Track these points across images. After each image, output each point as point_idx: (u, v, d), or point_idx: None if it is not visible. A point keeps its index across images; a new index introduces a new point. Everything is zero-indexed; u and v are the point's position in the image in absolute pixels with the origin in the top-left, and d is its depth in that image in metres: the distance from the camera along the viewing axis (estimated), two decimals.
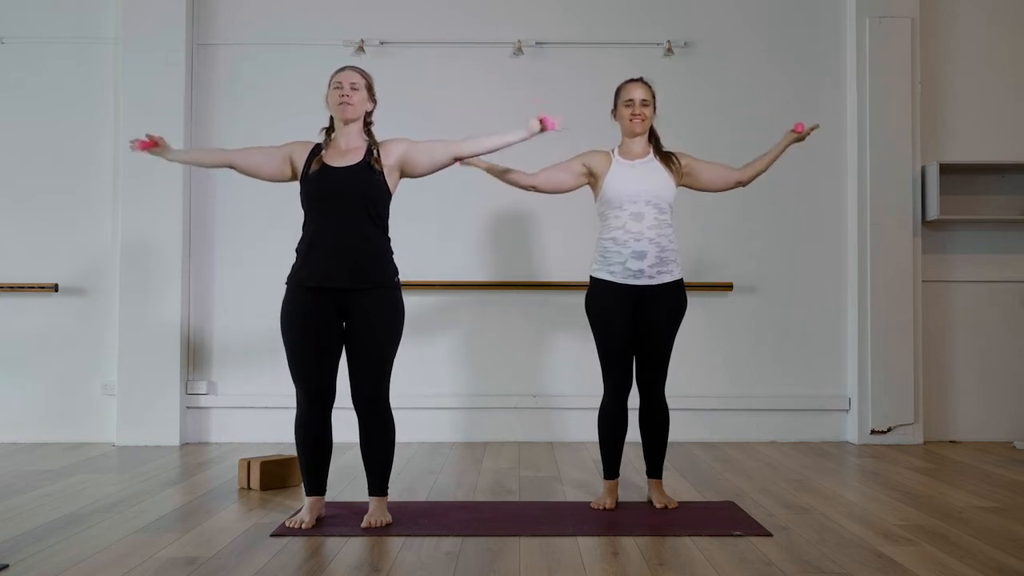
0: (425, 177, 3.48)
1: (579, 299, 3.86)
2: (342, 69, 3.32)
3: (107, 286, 5.30)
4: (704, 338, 5.28)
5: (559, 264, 5.30)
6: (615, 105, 3.64)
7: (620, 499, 3.63)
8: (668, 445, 3.71)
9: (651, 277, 3.50)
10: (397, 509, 3.45)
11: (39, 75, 5.36)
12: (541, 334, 5.32)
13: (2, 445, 5.13)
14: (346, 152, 3.29)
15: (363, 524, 3.23)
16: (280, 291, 3.33)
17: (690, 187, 3.69)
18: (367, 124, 3.36)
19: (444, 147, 3.35)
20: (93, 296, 5.31)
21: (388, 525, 3.25)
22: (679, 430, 4.78)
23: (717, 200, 5.25)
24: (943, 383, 5.36)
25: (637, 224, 3.49)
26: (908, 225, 5.25)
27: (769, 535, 3.13)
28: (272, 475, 3.95)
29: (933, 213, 5.19)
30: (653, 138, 3.66)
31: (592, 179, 3.63)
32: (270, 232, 5.24)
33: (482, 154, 3.40)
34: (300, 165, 3.32)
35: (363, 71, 3.34)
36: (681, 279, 3.58)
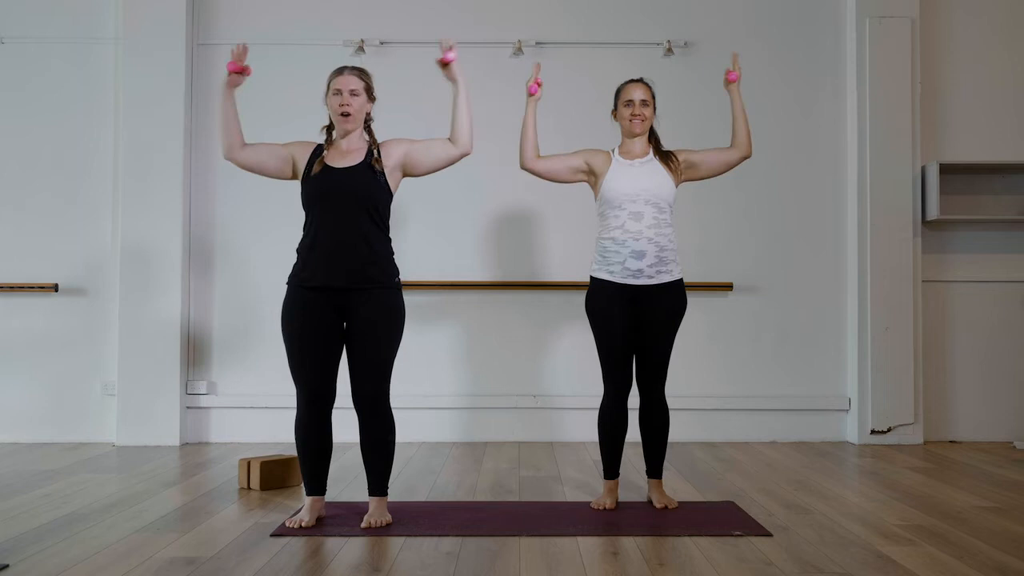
0: (425, 177, 3.48)
1: (579, 299, 3.87)
2: (340, 72, 3.30)
3: (107, 286, 5.30)
4: (704, 338, 5.28)
5: (559, 264, 5.30)
6: (615, 105, 3.64)
7: (620, 499, 3.63)
8: (668, 445, 3.71)
9: (650, 277, 3.50)
10: (397, 509, 3.45)
11: (39, 75, 5.36)
12: (541, 334, 5.32)
13: (2, 445, 5.13)
14: (347, 153, 3.29)
15: (363, 524, 3.23)
16: (280, 291, 3.33)
17: (698, 178, 3.68)
18: (367, 123, 3.36)
19: (441, 145, 3.35)
20: (93, 296, 5.31)
21: (388, 525, 3.25)
22: (679, 430, 4.79)
23: (717, 200, 5.28)
24: (943, 383, 5.36)
25: (636, 224, 3.49)
26: (908, 225, 5.25)
27: (769, 535, 3.13)
28: (272, 475, 3.95)
29: (933, 213, 5.19)
30: (653, 138, 3.65)
31: (592, 178, 3.63)
32: (270, 232, 5.24)
33: (469, 123, 3.33)
34: (302, 165, 3.32)
35: (361, 72, 3.33)
36: (681, 279, 3.58)
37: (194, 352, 5.31)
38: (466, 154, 3.36)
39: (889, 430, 5.20)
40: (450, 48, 3.30)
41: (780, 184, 5.37)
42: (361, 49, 5.31)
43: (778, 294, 5.35)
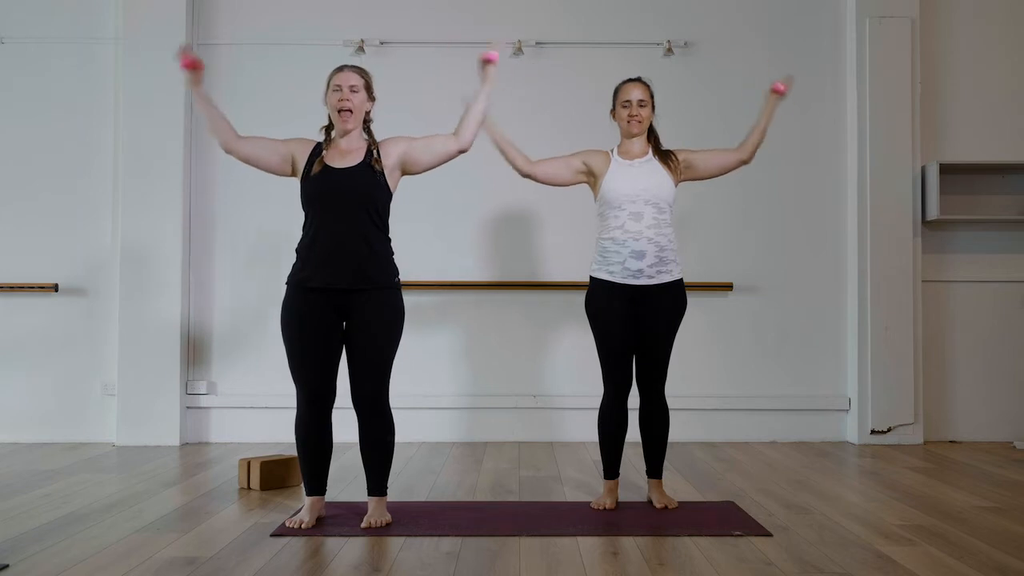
0: (425, 176, 3.48)
1: (579, 299, 3.86)
2: (340, 69, 3.31)
3: (107, 286, 5.30)
4: (704, 338, 5.28)
5: (559, 264, 5.30)
6: (613, 105, 3.64)
7: (620, 499, 3.63)
8: (668, 445, 3.71)
9: (650, 277, 3.50)
10: (397, 509, 3.45)
11: (39, 75, 5.36)
12: (541, 334, 5.32)
13: (2, 445, 5.13)
14: (347, 153, 3.29)
15: (363, 524, 3.23)
16: (280, 291, 3.33)
17: (694, 179, 3.68)
18: (367, 123, 3.36)
19: (443, 141, 3.35)
20: (93, 296, 5.31)
21: (388, 525, 3.25)
22: (679, 430, 4.79)
23: (717, 200, 5.27)
24: (943, 383, 5.35)
25: (636, 224, 3.49)
26: (908, 225, 5.25)
27: (769, 535, 3.13)
28: (272, 475, 3.95)
29: (933, 213, 5.19)
30: (652, 137, 3.65)
31: (591, 178, 3.63)
32: (270, 232, 5.24)
33: (478, 128, 3.35)
34: (301, 165, 3.32)
35: (362, 70, 3.33)
36: (681, 279, 3.58)
37: (194, 352, 5.31)
38: (464, 151, 3.37)
39: (889, 430, 5.20)
40: (496, 50, 3.31)
41: (780, 184, 5.36)
42: (361, 49, 5.31)
43: (778, 294, 5.35)
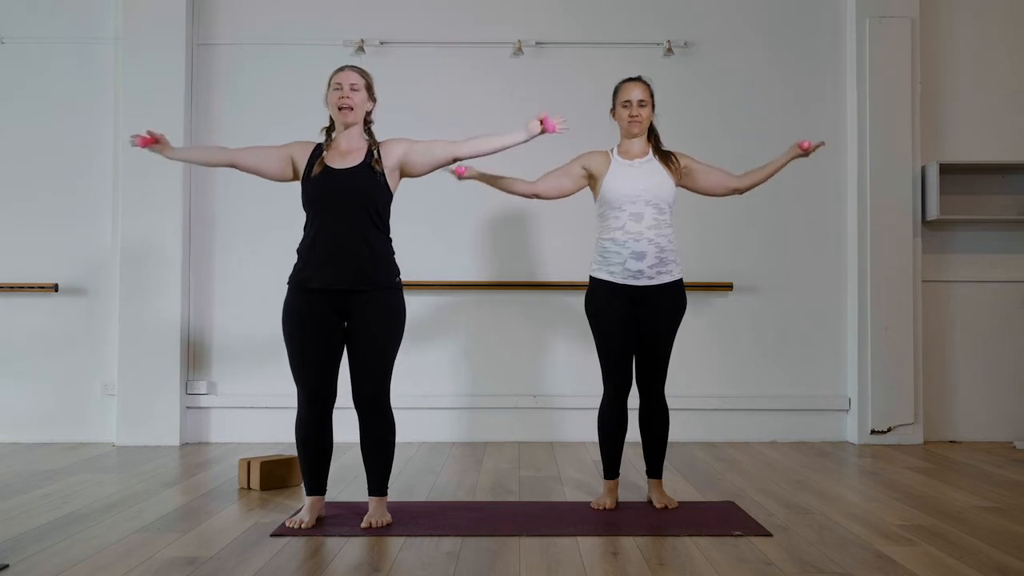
0: (425, 177, 3.48)
1: (579, 299, 3.87)
2: (341, 69, 3.32)
3: (107, 286, 5.30)
4: (704, 338, 5.28)
5: (559, 264, 5.30)
6: (613, 105, 3.64)
7: (620, 499, 3.63)
8: (668, 445, 3.71)
9: (650, 278, 3.50)
10: (397, 509, 3.45)
11: (39, 75, 5.36)
12: (541, 334, 5.32)
13: (2, 445, 5.13)
14: (347, 153, 3.29)
15: (363, 524, 3.23)
16: (280, 291, 3.33)
17: (687, 188, 3.68)
18: (367, 124, 3.36)
19: (443, 147, 3.35)
20: (93, 296, 5.31)
21: (388, 525, 3.25)
22: (679, 430, 4.79)
23: (717, 200, 5.25)
24: (943, 383, 5.35)
25: (636, 224, 3.49)
26: (908, 225, 5.25)
27: (769, 535, 3.13)
28: (272, 475, 3.95)
29: (933, 213, 5.19)
30: (653, 137, 3.65)
31: (592, 180, 3.63)
32: (270, 232, 5.24)
33: (481, 155, 3.37)
34: (301, 166, 3.32)
35: (362, 71, 3.34)
36: (681, 279, 3.58)
37: (194, 352, 5.31)
38: (459, 159, 3.38)
39: (889, 430, 5.20)
40: (558, 124, 3.30)
41: (780, 184, 5.32)
42: (361, 49, 5.31)
43: (778, 294, 5.35)
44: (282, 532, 3.18)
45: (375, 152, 3.29)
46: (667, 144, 3.68)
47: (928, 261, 5.35)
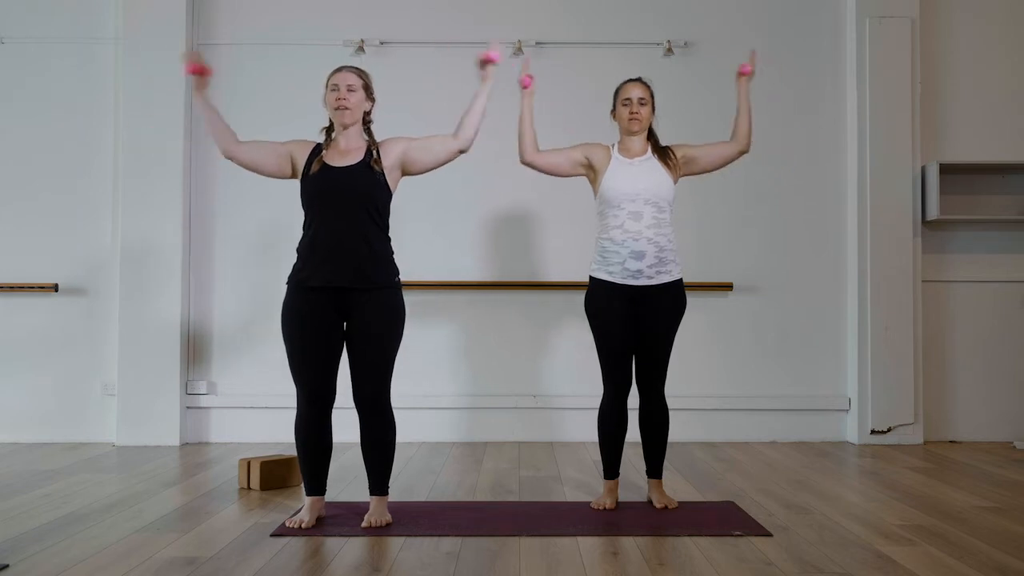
0: (425, 176, 3.48)
1: (579, 299, 3.86)
2: (339, 70, 3.32)
3: (107, 286, 5.30)
4: (704, 338, 5.28)
5: (559, 264, 5.30)
6: (614, 105, 3.64)
7: (620, 499, 3.63)
8: (668, 445, 3.71)
9: (650, 277, 3.50)
10: (397, 509, 3.45)
11: (39, 75, 5.36)
12: (541, 334, 5.32)
13: (2, 445, 5.13)
14: (346, 152, 3.29)
15: (363, 524, 3.23)
16: (280, 291, 3.33)
17: (695, 173, 3.67)
18: (366, 123, 3.36)
19: (441, 142, 3.35)
20: (93, 296, 5.31)
21: (388, 525, 3.25)
22: (679, 430, 4.79)
23: (717, 200, 5.28)
24: (943, 383, 5.35)
25: (636, 223, 3.49)
26: (908, 225, 5.25)
27: (769, 535, 3.13)
28: (272, 475, 3.95)
29: (933, 213, 5.19)
30: (651, 137, 3.65)
31: (591, 172, 3.63)
32: (270, 232, 5.24)
33: (477, 125, 3.35)
34: (301, 165, 3.32)
35: (360, 71, 3.33)
36: (680, 279, 3.58)
37: (194, 352, 5.31)
38: (464, 151, 3.37)
39: (889, 430, 5.20)
40: (496, 49, 3.33)
41: (780, 184, 5.36)
42: (361, 49, 5.31)
43: (778, 294, 5.35)
44: (282, 532, 3.18)
45: (374, 151, 3.29)
46: (666, 143, 3.68)
47: (928, 261, 5.35)
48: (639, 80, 3.61)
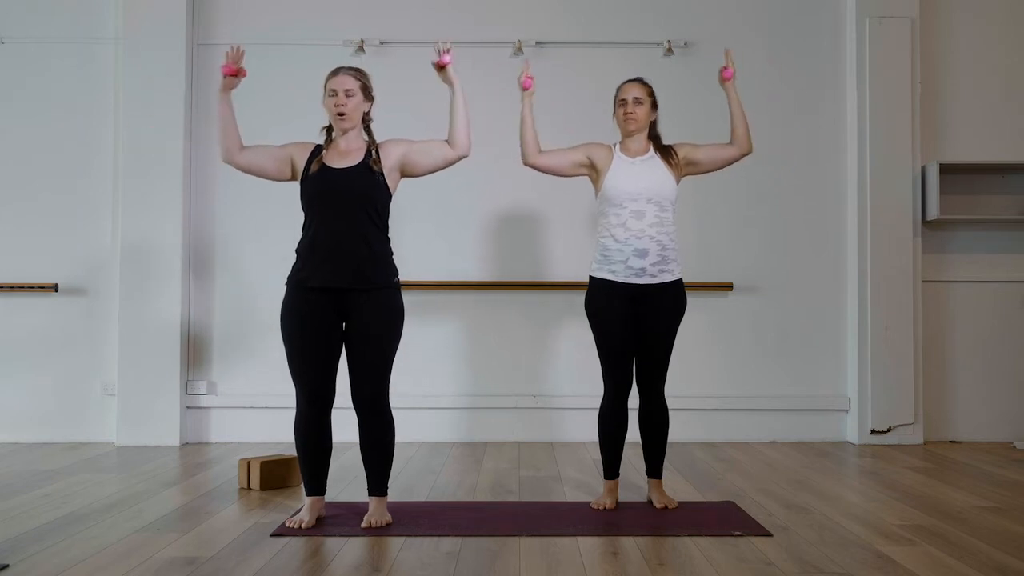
0: (426, 177, 3.48)
1: (579, 299, 3.86)
2: (335, 72, 3.30)
3: (107, 286, 5.30)
4: (704, 338, 5.28)
5: (559, 264, 5.30)
6: (615, 107, 3.64)
7: (620, 499, 3.63)
8: (668, 445, 3.71)
9: (653, 276, 3.50)
10: (397, 509, 3.45)
11: (39, 75, 5.36)
12: (541, 334, 5.32)
13: (2, 445, 5.13)
14: (346, 153, 3.29)
15: (363, 524, 3.23)
16: (280, 291, 3.33)
17: (697, 173, 3.68)
18: (366, 123, 3.36)
19: (439, 147, 3.36)
20: (93, 296, 5.31)
21: (388, 525, 3.25)
22: (679, 430, 4.79)
23: (718, 199, 5.28)
24: (943, 383, 5.35)
25: (638, 222, 3.49)
26: (908, 225, 5.25)
27: (769, 535, 3.13)
28: (272, 475, 3.95)
29: (933, 213, 5.19)
30: (653, 136, 3.65)
31: (593, 172, 3.62)
32: (270, 232, 5.24)
33: (467, 125, 3.33)
34: (300, 166, 3.32)
35: (357, 71, 3.32)
36: (681, 279, 3.58)
37: (194, 352, 5.31)
38: (464, 156, 3.37)
39: (889, 430, 5.20)
40: (446, 51, 3.30)
41: (780, 184, 5.36)
42: (361, 49, 5.31)
43: (778, 294, 5.35)
44: (282, 532, 3.18)
45: (374, 152, 3.29)
46: (667, 142, 3.68)
47: (928, 261, 5.35)
48: (636, 80, 3.61)
